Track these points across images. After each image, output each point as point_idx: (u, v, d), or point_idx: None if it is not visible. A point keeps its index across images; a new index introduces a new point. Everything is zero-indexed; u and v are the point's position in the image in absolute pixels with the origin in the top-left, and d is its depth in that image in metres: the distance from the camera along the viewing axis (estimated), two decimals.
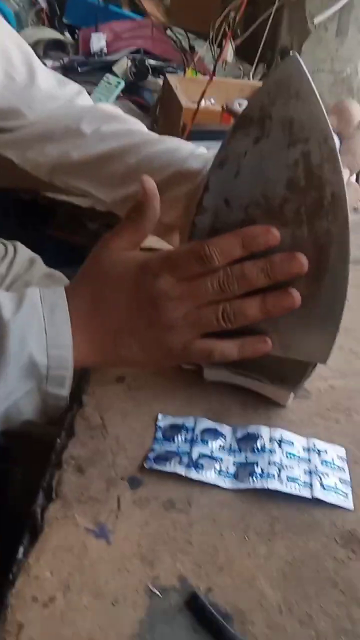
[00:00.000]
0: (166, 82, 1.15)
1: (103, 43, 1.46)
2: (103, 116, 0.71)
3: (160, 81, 1.30)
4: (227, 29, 1.28)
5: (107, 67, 1.40)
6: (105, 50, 1.47)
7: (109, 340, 0.45)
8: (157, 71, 1.39)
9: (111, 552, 0.39)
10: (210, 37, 1.29)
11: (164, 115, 1.19)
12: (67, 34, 1.63)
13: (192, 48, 1.50)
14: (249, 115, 0.42)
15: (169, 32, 1.54)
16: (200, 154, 0.64)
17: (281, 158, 0.41)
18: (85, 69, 1.41)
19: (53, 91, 0.74)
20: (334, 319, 0.45)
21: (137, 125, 0.72)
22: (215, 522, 0.41)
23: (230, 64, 1.35)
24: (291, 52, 0.42)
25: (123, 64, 1.38)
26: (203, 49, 1.42)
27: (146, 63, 1.37)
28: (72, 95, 0.75)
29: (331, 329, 0.45)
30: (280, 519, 0.41)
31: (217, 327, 0.44)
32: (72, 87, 0.77)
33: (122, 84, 1.33)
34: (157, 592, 0.36)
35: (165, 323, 0.44)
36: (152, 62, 1.39)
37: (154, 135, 0.69)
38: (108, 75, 1.34)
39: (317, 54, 1.33)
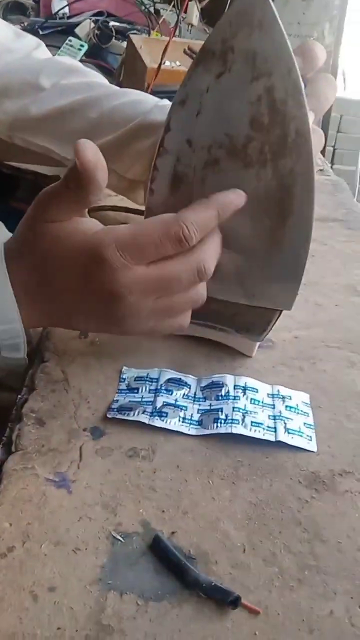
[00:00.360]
0: (130, 42, 1.12)
1: (65, 4, 1.42)
2: (63, 69, 0.68)
3: (125, 45, 1.27)
4: None
5: (70, 30, 1.36)
6: (67, 12, 1.42)
7: (62, 317, 0.42)
8: (122, 34, 1.35)
9: (72, 500, 0.38)
10: None
11: (128, 77, 1.16)
12: None
13: (157, 12, 1.46)
14: (210, 49, 0.39)
15: None
16: (164, 105, 0.62)
17: (244, 94, 0.40)
18: (47, 32, 1.37)
19: (9, 44, 0.71)
20: (299, 264, 0.44)
21: (98, 78, 0.70)
22: (179, 468, 0.40)
23: (196, 27, 1.32)
24: None
25: (86, 27, 1.34)
26: (168, 13, 1.39)
27: (110, 25, 1.33)
28: (30, 48, 0.72)
29: (296, 273, 0.44)
30: (245, 463, 0.41)
31: (189, 309, 0.42)
32: (30, 40, 0.74)
33: (86, 47, 1.29)
34: (120, 538, 0.36)
35: (129, 315, 0.40)
36: (116, 24, 1.35)
37: (115, 88, 0.66)
38: (71, 38, 1.31)
39: (283, 18, 1.30)
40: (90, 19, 1.36)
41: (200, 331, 0.52)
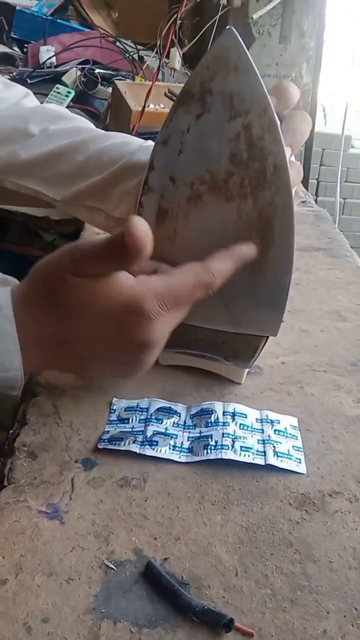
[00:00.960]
0: (115, 87, 1.16)
1: (52, 55, 1.47)
2: (51, 116, 0.71)
3: (110, 90, 1.32)
4: (173, 37, 1.31)
5: (57, 78, 1.41)
6: (54, 62, 1.48)
7: (75, 364, 0.42)
8: (107, 80, 1.40)
9: (65, 531, 0.38)
10: (158, 44, 1.31)
11: (114, 120, 1.20)
12: (16, 48, 1.64)
13: (140, 58, 1.52)
14: (189, 91, 0.42)
15: (117, 44, 1.56)
16: (149, 145, 0.64)
17: (223, 132, 0.42)
18: (35, 81, 1.42)
19: None
20: (282, 291, 0.45)
21: (85, 123, 0.72)
22: (170, 495, 0.41)
23: (179, 71, 1.37)
24: (227, 26, 0.43)
25: (72, 74, 1.39)
26: (151, 59, 1.44)
27: (95, 72, 1.38)
28: (19, 97, 0.75)
29: (280, 300, 0.46)
30: (235, 488, 0.41)
31: None
32: (18, 90, 0.77)
33: (73, 94, 1.34)
34: (112, 566, 0.36)
35: (150, 361, 0.41)
36: (101, 71, 1.41)
37: (101, 131, 0.69)
38: (58, 85, 1.35)
39: (262, 60, 1.37)
40: (77, 67, 1.41)
41: (189, 360, 0.53)
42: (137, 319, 0.38)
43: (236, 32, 0.41)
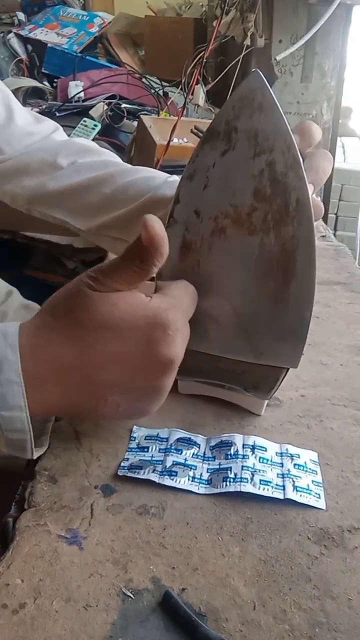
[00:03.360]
0: (140, 122, 1.20)
1: (80, 89, 1.52)
2: (79, 150, 0.74)
3: (135, 124, 1.36)
4: (199, 75, 1.35)
5: (84, 112, 1.45)
6: (82, 96, 1.53)
7: (92, 398, 0.40)
8: (133, 114, 1.44)
9: (83, 557, 0.38)
10: (183, 82, 1.35)
11: (138, 153, 1.23)
12: (46, 83, 1.70)
13: (165, 94, 1.57)
14: (215, 129, 0.44)
15: (143, 80, 1.61)
16: (174, 180, 0.66)
17: (247, 168, 0.43)
18: (63, 114, 1.47)
19: (30, 128, 0.77)
20: (303, 323, 0.46)
21: (112, 157, 0.75)
22: (189, 525, 0.41)
23: (202, 107, 1.41)
24: (254, 69, 0.45)
25: (99, 108, 1.44)
26: (176, 95, 1.49)
27: (122, 107, 1.43)
28: (48, 131, 0.78)
29: (301, 332, 0.46)
30: (254, 520, 0.41)
31: None
32: (48, 124, 0.80)
33: (99, 127, 1.38)
34: (130, 595, 0.36)
35: (167, 387, 0.41)
36: (127, 106, 1.45)
37: (128, 166, 0.71)
38: (85, 118, 1.40)
39: (284, 97, 1.40)
40: (104, 102, 1.46)
41: (209, 390, 0.53)
42: (163, 332, 0.38)
43: (261, 74, 0.43)
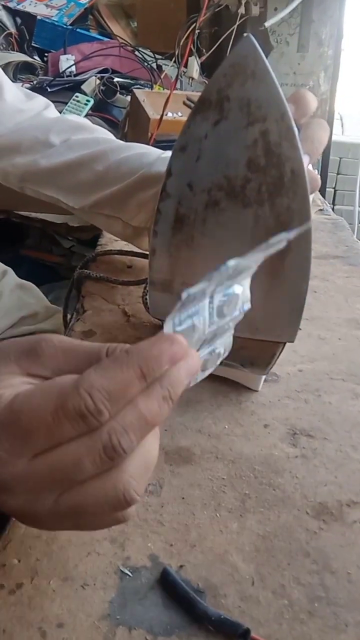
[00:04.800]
0: (134, 96, 1.17)
1: (71, 64, 1.49)
2: (71, 127, 0.72)
3: (129, 98, 1.33)
4: (191, 46, 1.32)
5: (76, 87, 1.42)
6: (74, 70, 1.49)
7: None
8: (126, 89, 1.41)
9: (81, 536, 0.38)
10: (176, 54, 1.32)
11: (132, 128, 1.21)
12: (37, 57, 1.66)
13: (159, 67, 1.53)
14: (207, 98, 0.42)
15: (136, 53, 1.57)
16: (167, 157, 0.65)
17: (240, 138, 0.42)
18: (55, 89, 1.43)
19: (20, 105, 0.75)
20: (300, 297, 0.45)
21: (105, 134, 0.73)
22: (186, 502, 0.40)
23: (197, 80, 1.38)
24: (245, 33, 0.43)
25: (92, 83, 1.41)
26: (169, 68, 1.46)
27: (114, 81, 1.40)
28: (40, 108, 0.76)
29: (297, 306, 0.45)
30: (252, 496, 0.41)
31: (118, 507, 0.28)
32: (39, 101, 0.78)
33: (92, 102, 1.35)
34: (128, 573, 0.36)
35: (30, 516, 0.29)
36: (120, 80, 1.42)
37: (121, 142, 0.70)
38: (77, 94, 1.37)
39: (280, 68, 1.37)
40: (96, 76, 1.43)
41: None
42: None
43: (254, 39, 0.41)
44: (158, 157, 0.64)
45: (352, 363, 0.55)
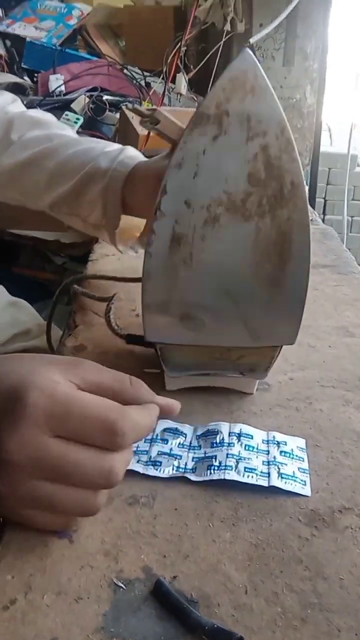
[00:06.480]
0: (123, 113, 1.19)
1: (61, 83, 1.51)
2: (29, 123, 0.71)
3: (118, 116, 1.34)
4: (179, 62, 1.34)
5: (66, 106, 1.44)
6: (63, 90, 1.51)
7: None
8: (115, 106, 1.43)
9: (74, 550, 0.38)
10: (164, 71, 1.34)
11: (121, 144, 1.22)
12: (27, 78, 1.68)
13: (147, 84, 1.55)
14: (205, 113, 0.41)
15: (125, 71, 1.59)
16: (109, 151, 0.63)
17: (240, 153, 0.42)
18: (45, 109, 1.45)
19: None
20: (300, 301, 0.46)
21: (60, 129, 0.72)
22: (179, 513, 0.41)
23: (185, 96, 1.40)
24: (243, 47, 0.43)
25: (81, 101, 1.42)
26: (158, 84, 1.47)
27: (103, 99, 1.41)
28: (5, 103, 0.75)
29: (297, 310, 0.46)
30: (244, 505, 0.41)
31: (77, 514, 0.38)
32: (6, 96, 0.77)
33: (81, 120, 1.36)
34: (121, 585, 0.36)
35: (6, 483, 0.34)
36: (109, 98, 1.43)
37: (73, 137, 0.68)
38: (67, 112, 1.39)
39: None
40: (85, 94, 1.44)
41: (198, 381, 0.52)
42: (15, 404, 0.33)
43: (252, 54, 0.41)
44: (101, 152, 0.63)
45: (342, 370, 0.56)
